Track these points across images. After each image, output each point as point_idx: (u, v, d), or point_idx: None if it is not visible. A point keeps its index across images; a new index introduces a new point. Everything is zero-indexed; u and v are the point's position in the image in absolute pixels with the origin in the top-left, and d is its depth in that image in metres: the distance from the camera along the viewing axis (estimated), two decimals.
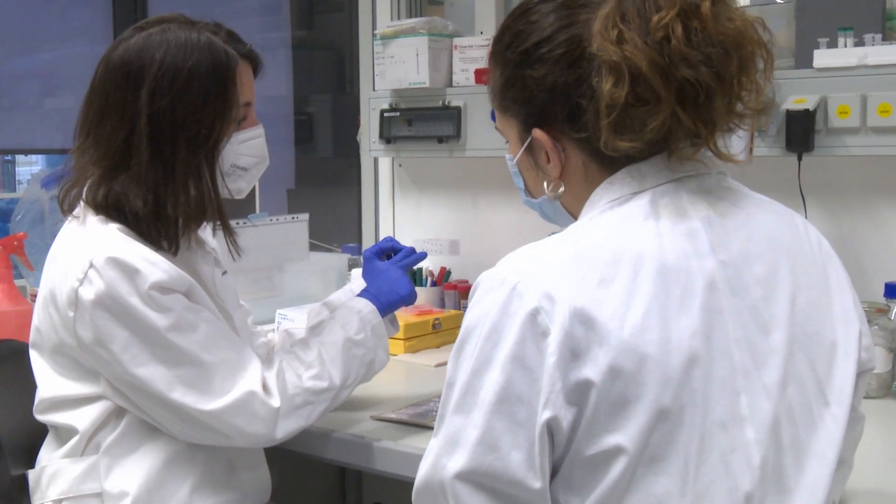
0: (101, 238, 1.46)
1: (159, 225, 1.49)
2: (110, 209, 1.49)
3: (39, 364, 1.55)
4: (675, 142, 1.11)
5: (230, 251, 1.65)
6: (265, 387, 1.49)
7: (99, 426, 1.51)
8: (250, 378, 1.48)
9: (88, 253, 1.44)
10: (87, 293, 1.43)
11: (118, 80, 1.49)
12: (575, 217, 1.20)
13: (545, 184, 1.20)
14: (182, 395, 1.44)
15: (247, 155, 1.58)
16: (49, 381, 1.54)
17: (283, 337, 1.85)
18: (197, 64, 1.48)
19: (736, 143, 1.84)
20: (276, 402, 1.49)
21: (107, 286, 1.42)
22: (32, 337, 1.55)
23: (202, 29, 1.52)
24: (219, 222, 1.58)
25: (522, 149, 1.21)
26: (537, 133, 1.17)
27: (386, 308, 1.70)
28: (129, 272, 1.42)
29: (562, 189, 1.19)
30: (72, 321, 1.45)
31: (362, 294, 1.72)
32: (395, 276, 1.75)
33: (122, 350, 1.43)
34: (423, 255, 1.84)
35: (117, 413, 1.51)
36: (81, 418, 1.51)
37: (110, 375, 1.47)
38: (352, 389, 1.62)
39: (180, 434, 1.50)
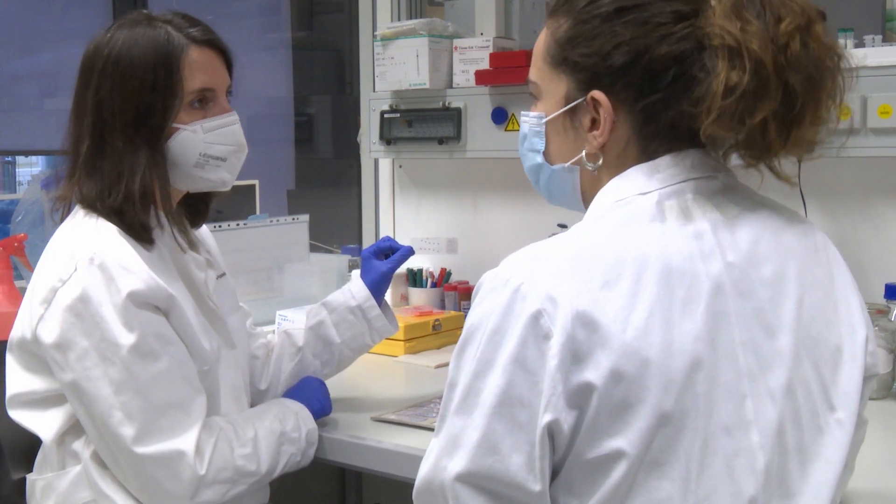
0: (91, 239, 1.46)
1: (121, 214, 1.49)
2: (86, 204, 1.50)
3: (9, 360, 1.53)
4: (746, 148, 1.12)
5: (176, 241, 1.58)
6: (198, 450, 1.44)
7: (66, 432, 1.50)
8: (188, 436, 1.44)
9: (75, 254, 1.44)
10: (64, 295, 1.42)
11: (78, 80, 1.54)
12: (580, 198, 1.20)
13: (584, 151, 1.16)
14: (118, 425, 1.40)
15: (220, 143, 1.55)
16: (15, 376, 1.52)
17: (283, 338, 1.84)
18: (140, 53, 1.49)
19: None
20: (202, 469, 1.44)
21: (83, 291, 1.41)
22: (10, 334, 1.53)
23: (158, 22, 1.52)
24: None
25: (565, 108, 1.16)
26: (599, 96, 1.12)
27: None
28: (108, 279, 1.41)
29: (600, 162, 1.15)
30: (37, 318, 1.44)
31: (296, 398, 1.69)
32: (314, 385, 1.74)
33: (78, 359, 1.41)
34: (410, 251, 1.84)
35: None
36: (47, 426, 1.49)
37: (60, 381, 1.45)
38: (270, 479, 1.58)
39: (107, 462, 1.47)
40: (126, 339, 1.40)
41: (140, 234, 1.50)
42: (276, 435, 1.57)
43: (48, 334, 1.43)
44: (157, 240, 1.53)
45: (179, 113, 1.51)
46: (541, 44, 1.20)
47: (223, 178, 1.58)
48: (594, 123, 1.14)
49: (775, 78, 1.05)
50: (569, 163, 1.18)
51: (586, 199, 1.20)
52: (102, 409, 1.41)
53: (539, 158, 1.22)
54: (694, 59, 1.09)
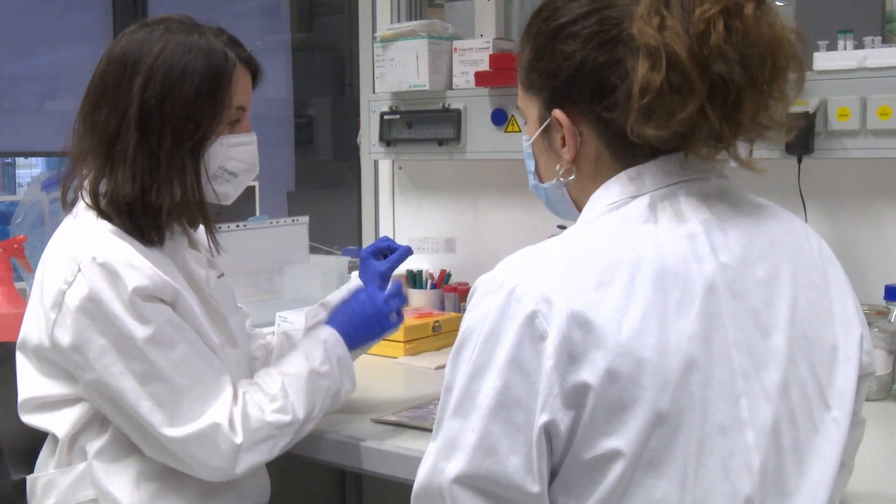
0: (91, 239, 1.46)
1: (145, 213, 1.49)
2: (103, 200, 1.50)
3: (23, 364, 1.54)
4: (696, 141, 1.11)
5: (210, 247, 1.65)
6: (230, 421, 1.47)
7: (80, 429, 1.51)
8: (219, 409, 1.46)
9: (77, 255, 1.44)
10: (72, 297, 1.43)
11: (116, 68, 1.51)
12: (578, 209, 1.20)
13: (557, 168, 1.19)
14: (149, 413, 1.42)
15: (237, 160, 1.58)
16: (31, 381, 1.53)
17: (282, 339, 1.84)
18: (193, 60, 1.50)
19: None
20: (238, 438, 1.46)
21: (90, 290, 1.42)
22: (20, 336, 1.54)
23: (205, 31, 1.54)
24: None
25: (540, 129, 1.20)
26: (557, 113, 1.16)
27: (354, 342, 1.67)
28: (113, 277, 1.42)
29: (572, 177, 1.18)
30: (52, 323, 1.45)
31: (330, 321, 1.70)
32: (371, 311, 1.71)
33: (97, 358, 1.42)
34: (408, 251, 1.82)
35: (102, 418, 1.51)
36: (61, 423, 1.50)
37: (83, 381, 1.46)
38: (317, 421, 1.59)
39: (145, 450, 1.49)
40: (141, 331, 1.42)
41: (146, 234, 1.51)
42: (303, 377, 1.57)
43: (64, 337, 1.44)
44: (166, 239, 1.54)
45: (220, 126, 1.53)
46: (518, 70, 1.24)
47: (228, 192, 1.61)
48: (564, 140, 1.17)
49: (696, 70, 1.04)
50: (554, 180, 1.21)
51: (582, 211, 1.21)
52: (131, 402, 1.42)
53: (533, 179, 1.26)
54: (625, 63, 1.09)
